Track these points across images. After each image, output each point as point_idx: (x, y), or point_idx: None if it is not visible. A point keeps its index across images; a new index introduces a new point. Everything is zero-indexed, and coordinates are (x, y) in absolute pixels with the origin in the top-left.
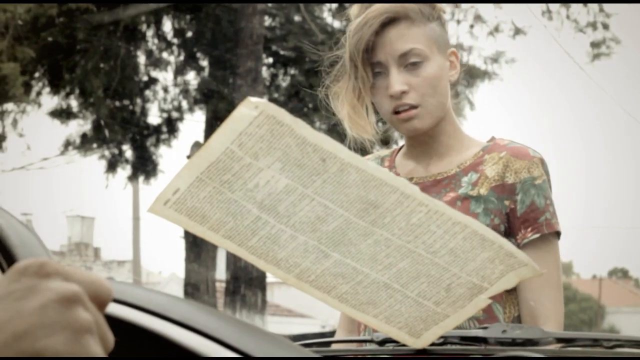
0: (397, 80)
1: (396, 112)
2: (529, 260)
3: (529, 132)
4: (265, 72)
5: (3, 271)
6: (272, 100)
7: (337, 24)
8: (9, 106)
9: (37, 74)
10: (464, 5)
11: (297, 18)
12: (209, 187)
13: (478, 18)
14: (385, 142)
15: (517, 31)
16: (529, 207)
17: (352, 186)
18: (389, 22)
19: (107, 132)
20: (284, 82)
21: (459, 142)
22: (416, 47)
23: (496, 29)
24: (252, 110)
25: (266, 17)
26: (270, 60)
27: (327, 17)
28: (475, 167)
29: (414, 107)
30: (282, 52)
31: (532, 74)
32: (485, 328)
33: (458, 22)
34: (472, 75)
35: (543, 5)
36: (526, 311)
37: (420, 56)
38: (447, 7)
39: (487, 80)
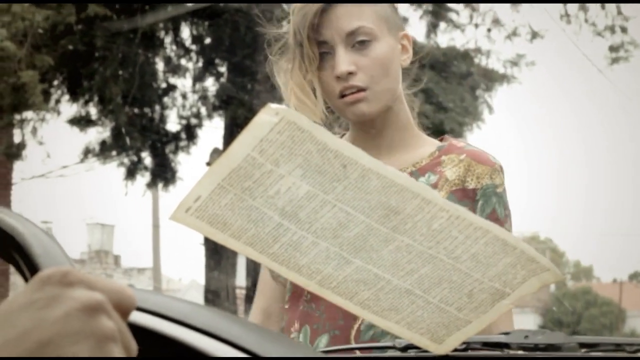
0: (344, 60)
1: (342, 96)
2: (551, 265)
3: (548, 135)
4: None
5: (26, 280)
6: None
7: None
8: (29, 114)
9: (56, 82)
10: (481, 9)
11: None
12: (230, 194)
13: (496, 22)
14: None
15: (535, 35)
16: (489, 215)
17: (373, 192)
18: None
19: (126, 140)
20: None
21: (412, 138)
22: (365, 26)
23: (514, 33)
24: (272, 117)
25: (284, 23)
26: None
27: None
28: (433, 168)
29: (361, 89)
30: None
31: (550, 78)
32: (507, 334)
33: (476, 25)
34: (490, 78)
35: (561, 9)
36: None
37: (369, 35)
38: (465, 12)
39: (505, 84)
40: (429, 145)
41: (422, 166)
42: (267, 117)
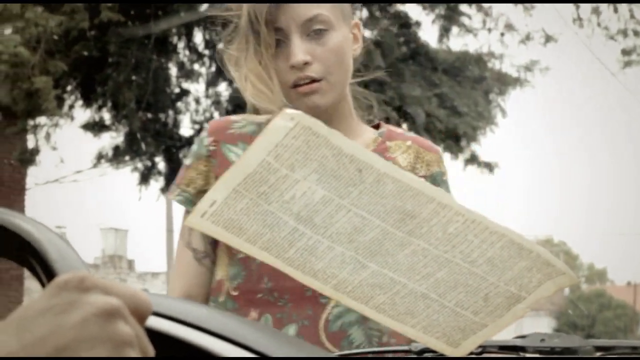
0: (300, 49)
1: (295, 86)
2: (566, 268)
3: (561, 137)
4: None
5: (43, 286)
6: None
7: (367, 33)
8: (42, 120)
9: (69, 88)
10: (494, 14)
11: None
12: (246, 199)
13: (509, 26)
14: None
15: (548, 39)
16: None
17: (389, 196)
18: None
19: (140, 145)
20: None
21: (355, 126)
22: (322, 14)
23: (527, 37)
24: (288, 122)
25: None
26: None
27: None
28: (382, 153)
29: (316, 80)
30: None
31: (563, 81)
32: (523, 337)
33: (489, 30)
34: (503, 82)
35: (574, 13)
36: None
37: (325, 24)
38: (477, 16)
39: (518, 88)
40: (369, 132)
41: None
42: (282, 122)
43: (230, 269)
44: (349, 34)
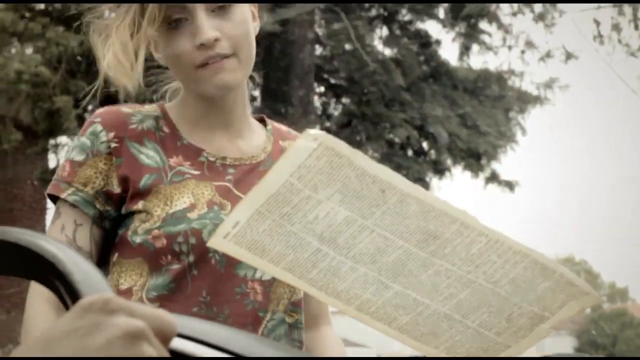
0: (208, 25)
1: (201, 65)
2: (590, 288)
3: (581, 156)
4: (317, 101)
5: (67, 308)
6: (323, 129)
7: (387, 52)
8: (63, 139)
9: (90, 107)
10: (514, 31)
11: (347, 47)
12: (269, 220)
13: (529, 44)
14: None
15: (569, 56)
16: None
17: (412, 217)
18: None
19: None
20: (335, 110)
21: (248, 117)
22: None
23: (547, 55)
24: (311, 143)
25: (317, 46)
26: (322, 89)
27: (378, 44)
28: (281, 154)
29: (225, 56)
30: (333, 81)
31: (583, 99)
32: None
33: (509, 48)
34: (524, 100)
35: (594, 30)
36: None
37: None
38: (498, 34)
39: (538, 106)
40: (257, 126)
41: (270, 152)
42: (305, 143)
43: (151, 278)
44: (249, 10)
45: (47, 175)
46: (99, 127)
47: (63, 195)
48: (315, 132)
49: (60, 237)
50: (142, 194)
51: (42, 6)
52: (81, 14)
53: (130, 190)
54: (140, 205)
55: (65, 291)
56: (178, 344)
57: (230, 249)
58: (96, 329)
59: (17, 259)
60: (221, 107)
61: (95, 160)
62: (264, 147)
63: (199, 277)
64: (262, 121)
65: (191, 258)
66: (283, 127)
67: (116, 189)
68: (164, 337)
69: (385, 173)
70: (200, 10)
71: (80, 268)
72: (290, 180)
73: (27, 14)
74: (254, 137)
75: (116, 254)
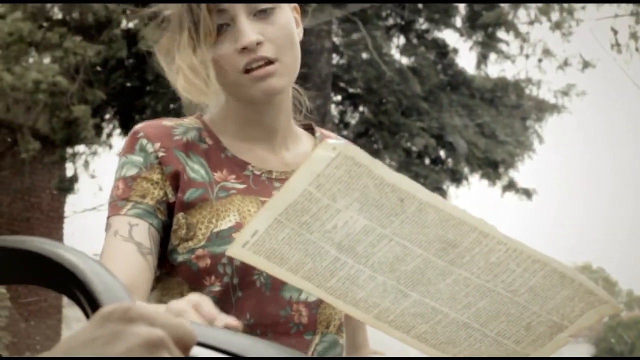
0: (250, 28)
1: (247, 71)
2: (609, 297)
3: (598, 164)
4: (334, 110)
5: (87, 316)
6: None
7: (405, 61)
8: (81, 148)
9: (107, 116)
10: (532, 39)
11: (365, 56)
12: (287, 228)
13: (547, 52)
14: None
15: (586, 64)
16: None
17: (431, 226)
18: None
19: None
20: (352, 119)
21: (293, 127)
22: None
23: (565, 63)
24: (330, 152)
25: (334, 55)
26: (339, 98)
27: (395, 53)
28: None
29: (270, 62)
30: (350, 90)
31: (600, 107)
32: None
33: (527, 56)
34: (541, 109)
35: (612, 38)
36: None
37: (274, 3)
38: (515, 43)
39: (556, 114)
40: (305, 135)
41: None
42: (324, 152)
43: None
44: (292, 15)
45: (65, 183)
46: (144, 141)
47: (122, 212)
48: (334, 141)
49: (115, 241)
50: (185, 207)
51: (59, 16)
52: (99, 24)
53: (176, 201)
54: (180, 217)
55: (86, 300)
56: (198, 352)
57: (249, 258)
58: (116, 338)
59: (38, 268)
60: (265, 115)
61: (150, 172)
62: None
63: (243, 299)
64: (310, 128)
65: (235, 280)
66: (332, 134)
67: (171, 197)
68: (184, 346)
69: (404, 182)
70: (241, 13)
71: (100, 277)
72: (309, 189)
73: (45, 24)
74: (300, 146)
75: (160, 269)
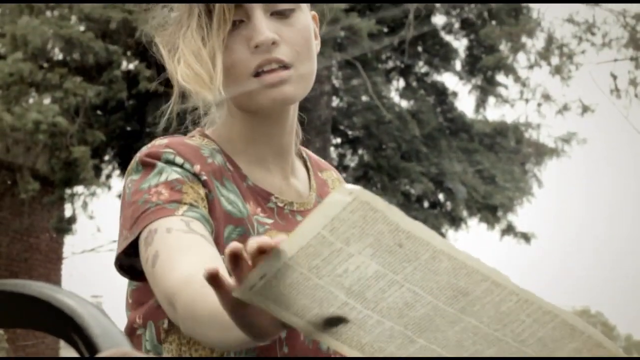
0: (266, 26)
1: (258, 74)
2: (617, 349)
3: (597, 208)
4: (333, 153)
5: None
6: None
7: (404, 104)
8: (79, 189)
9: (107, 157)
10: (531, 84)
11: (364, 98)
12: (296, 272)
13: (546, 97)
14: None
15: (585, 109)
16: None
17: (443, 274)
18: None
19: None
20: (352, 162)
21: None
22: None
23: (564, 108)
24: (345, 197)
25: (334, 98)
26: (339, 140)
27: (395, 96)
28: (322, 187)
29: (285, 67)
30: (350, 133)
31: (600, 151)
32: None
33: (526, 100)
34: (540, 153)
35: (611, 84)
36: None
37: (294, 5)
38: (515, 87)
39: (555, 158)
40: (297, 161)
41: (315, 189)
42: (340, 196)
43: (230, 353)
44: (311, 21)
45: (63, 224)
46: (178, 159)
47: (179, 213)
48: (351, 186)
49: (172, 238)
50: (222, 247)
51: (60, 57)
52: (99, 65)
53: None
54: (222, 259)
55: (84, 345)
56: None
57: (256, 300)
58: None
59: (36, 312)
60: (271, 131)
61: (194, 185)
62: (310, 184)
63: (289, 354)
64: (299, 154)
65: (283, 333)
66: (314, 156)
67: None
68: None
69: (419, 229)
70: (258, 10)
71: (98, 322)
72: (322, 232)
73: (45, 65)
74: (300, 172)
75: None
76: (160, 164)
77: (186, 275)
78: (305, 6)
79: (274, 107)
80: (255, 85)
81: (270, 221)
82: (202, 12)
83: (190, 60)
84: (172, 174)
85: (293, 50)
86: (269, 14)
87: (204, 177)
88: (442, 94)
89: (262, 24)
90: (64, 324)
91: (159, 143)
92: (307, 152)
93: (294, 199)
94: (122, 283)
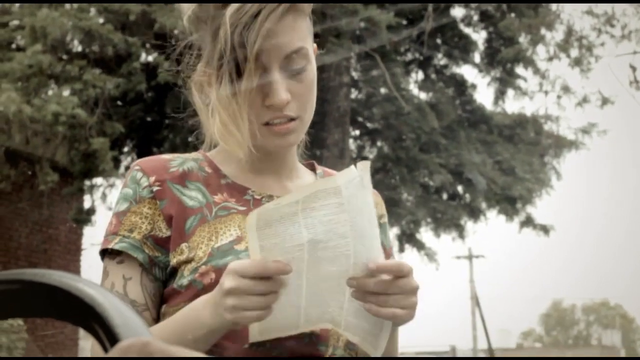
0: (283, 87)
1: (267, 124)
2: None
3: (616, 201)
4: (352, 145)
5: (106, 350)
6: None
7: (423, 96)
8: (98, 180)
9: (126, 149)
10: (551, 77)
11: (383, 90)
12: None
13: (565, 89)
14: None
15: (605, 101)
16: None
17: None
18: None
19: None
20: (370, 154)
21: (297, 164)
22: (304, 47)
23: (584, 100)
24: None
25: (352, 90)
26: (357, 132)
27: (414, 89)
28: None
29: (292, 119)
30: (368, 125)
31: (619, 143)
32: None
33: (546, 93)
34: (559, 145)
35: (630, 75)
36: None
37: (305, 58)
38: (534, 79)
39: (574, 150)
40: (306, 172)
41: None
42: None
43: None
44: (315, 69)
45: (82, 215)
46: (139, 175)
47: (110, 245)
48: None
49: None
50: (186, 236)
51: (79, 48)
52: (118, 57)
53: (174, 233)
54: (184, 247)
55: (104, 334)
56: None
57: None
58: None
59: (56, 302)
60: (274, 160)
61: (139, 206)
62: None
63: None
64: (311, 167)
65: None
66: (334, 172)
67: (164, 232)
68: None
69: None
70: (275, 68)
71: (119, 311)
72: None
73: (65, 57)
74: (303, 180)
75: (164, 306)
76: (123, 191)
77: None
78: (312, 55)
79: (279, 151)
80: (264, 132)
81: (242, 208)
82: (232, 69)
83: (226, 119)
84: (123, 204)
85: (301, 104)
86: (284, 71)
87: (157, 188)
88: (461, 86)
89: (280, 85)
90: (85, 313)
91: (137, 160)
92: (324, 169)
93: (275, 193)
94: None
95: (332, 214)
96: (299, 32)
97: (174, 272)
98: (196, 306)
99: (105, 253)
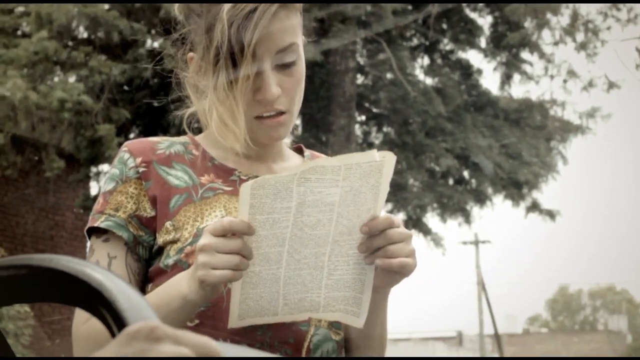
0: (274, 81)
1: (258, 117)
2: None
3: (622, 185)
4: (358, 130)
5: (113, 335)
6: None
7: (429, 81)
8: (105, 167)
9: (132, 135)
10: (556, 61)
11: (389, 75)
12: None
13: (571, 73)
14: None
15: (611, 85)
16: None
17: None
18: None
19: None
20: (376, 139)
21: (283, 149)
22: (295, 42)
23: (590, 84)
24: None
25: (358, 75)
26: (363, 117)
27: (420, 74)
28: None
29: (282, 112)
30: (374, 110)
31: (625, 128)
32: None
33: (551, 77)
34: (565, 130)
35: (637, 59)
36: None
37: (295, 54)
38: (539, 64)
39: (580, 135)
40: (294, 156)
41: None
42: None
43: None
44: (304, 64)
45: (89, 202)
46: (126, 155)
47: (96, 224)
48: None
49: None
50: (170, 214)
51: (85, 35)
52: (124, 43)
53: (160, 213)
54: (168, 225)
55: (112, 318)
56: None
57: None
58: (142, 357)
59: (64, 287)
60: (262, 148)
61: (125, 186)
62: None
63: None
64: (299, 150)
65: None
66: (322, 155)
67: (149, 212)
68: None
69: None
70: (268, 65)
71: (126, 296)
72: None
73: (70, 43)
74: (289, 163)
75: (150, 285)
76: (111, 171)
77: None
78: (302, 50)
79: (270, 143)
80: (256, 125)
81: (228, 188)
82: (229, 65)
83: (224, 115)
84: (110, 183)
85: (290, 98)
86: (275, 66)
87: (143, 169)
88: (467, 71)
89: (271, 81)
90: (92, 297)
91: (126, 142)
92: (312, 152)
93: (261, 173)
94: None
95: (324, 187)
96: (291, 28)
97: (160, 251)
98: (176, 279)
99: (92, 231)
